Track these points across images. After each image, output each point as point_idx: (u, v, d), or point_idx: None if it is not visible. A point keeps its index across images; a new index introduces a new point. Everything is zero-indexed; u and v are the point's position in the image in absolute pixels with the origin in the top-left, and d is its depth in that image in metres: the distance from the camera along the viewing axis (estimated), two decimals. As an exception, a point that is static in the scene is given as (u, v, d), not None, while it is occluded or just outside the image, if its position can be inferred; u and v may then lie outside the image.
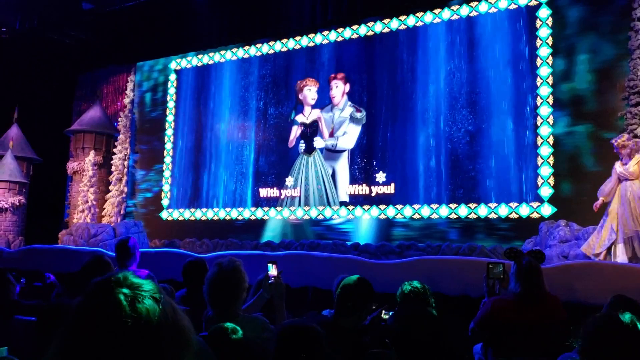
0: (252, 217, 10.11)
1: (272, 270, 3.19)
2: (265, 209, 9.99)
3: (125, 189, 11.81)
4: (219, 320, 2.72)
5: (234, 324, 2.52)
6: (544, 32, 8.01)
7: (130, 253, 4.40)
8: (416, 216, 8.62)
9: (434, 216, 8.48)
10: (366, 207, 9.04)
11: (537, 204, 7.77)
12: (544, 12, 8.05)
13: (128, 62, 12.05)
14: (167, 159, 11.33)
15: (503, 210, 7.98)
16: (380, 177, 8.98)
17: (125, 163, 11.91)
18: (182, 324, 1.00)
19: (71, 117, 12.81)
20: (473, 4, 8.59)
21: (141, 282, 1.00)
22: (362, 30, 9.52)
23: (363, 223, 9.12)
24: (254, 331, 2.80)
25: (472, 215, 8.20)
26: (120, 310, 0.94)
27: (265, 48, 10.47)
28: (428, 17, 8.94)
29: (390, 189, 8.89)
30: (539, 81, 7.95)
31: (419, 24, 9.02)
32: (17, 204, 12.02)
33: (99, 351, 0.91)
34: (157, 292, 0.99)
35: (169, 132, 11.40)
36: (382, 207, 8.89)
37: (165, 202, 11.21)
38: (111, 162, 12.04)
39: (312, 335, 1.87)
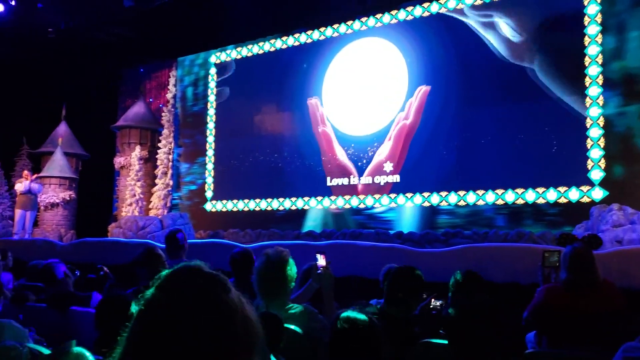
0: (293, 207, 10.15)
1: (321, 261, 3.18)
2: (306, 198, 10.01)
3: (171, 182, 12.04)
4: (267, 308, 2.74)
5: (282, 313, 2.54)
6: (592, 9, 7.72)
7: (179, 244, 4.48)
8: (461, 203, 8.48)
9: (480, 202, 8.32)
10: (409, 194, 8.94)
11: (588, 187, 7.53)
12: (592, -11, 7.76)
13: (170, 58, 12.24)
14: (210, 152, 11.47)
15: (552, 195, 7.77)
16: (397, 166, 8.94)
17: (170, 157, 12.13)
18: (250, 314, 1.00)
19: (116, 113, 13.12)
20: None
21: (215, 273, 1.01)
22: (402, 15, 9.38)
23: (406, 211, 9.03)
24: (303, 321, 2.81)
25: (520, 201, 8.01)
26: (200, 300, 0.95)
27: (304, 37, 10.44)
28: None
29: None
30: (587, 60, 7.67)
31: (460, 6, 8.81)
32: (68, 198, 12.42)
33: (179, 341, 0.92)
34: (226, 282, 1.00)
35: (211, 125, 11.53)
36: (426, 194, 8.77)
37: (208, 194, 11.37)
38: (156, 156, 12.29)
39: (367, 325, 1.85)
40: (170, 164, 12.13)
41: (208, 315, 0.94)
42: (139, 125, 12.39)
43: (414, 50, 9.18)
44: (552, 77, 7.94)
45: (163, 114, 12.42)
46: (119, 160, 12.50)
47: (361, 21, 9.80)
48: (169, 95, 12.41)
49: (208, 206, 11.31)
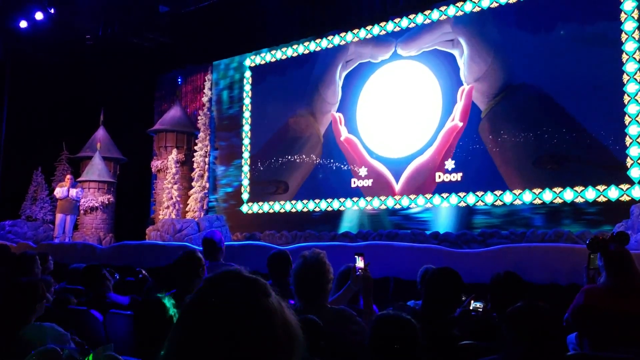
0: (329, 209, 10.17)
1: (359, 262, 3.15)
2: (342, 199, 10.02)
3: (207, 185, 12.18)
4: (305, 311, 2.76)
5: (320, 316, 2.55)
6: (628, 5, 7.55)
7: (217, 247, 4.52)
8: (498, 203, 8.38)
9: (517, 202, 8.21)
10: (444, 194, 8.87)
11: (627, 185, 7.36)
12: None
13: (205, 62, 12.39)
14: (246, 154, 11.58)
15: (590, 194, 7.62)
16: (450, 164, 8.83)
17: (206, 160, 12.28)
18: (289, 317, 1.02)
19: (153, 117, 13.35)
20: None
21: (254, 278, 1.03)
22: (435, 15, 9.32)
23: (441, 211, 8.96)
24: (341, 323, 2.82)
25: (558, 200, 7.87)
26: (240, 305, 0.98)
27: (337, 40, 10.46)
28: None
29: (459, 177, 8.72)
30: (624, 57, 7.50)
31: (493, 5, 8.72)
32: (107, 202, 12.69)
33: (221, 346, 0.95)
34: (266, 286, 1.03)
35: (246, 128, 11.64)
36: (462, 194, 8.70)
37: (245, 196, 11.47)
38: (192, 159, 12.45)
39: (407, 328, 1.86)
40: (207, 166, 12.28)
41: (249, 320, 0.96)
42: (175, 128, 12.57)
43: (449, 74, 9.14)
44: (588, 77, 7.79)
45: (199, 117, 12.58)
46: (156, 164, 12.72)
47: (394, 22, 9.75)
48: (205, 99, 12.58)
49: (244, 208, 11.42)
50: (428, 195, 9.04)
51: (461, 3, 9.04)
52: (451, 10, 9.14)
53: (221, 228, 10.00)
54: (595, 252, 3.43)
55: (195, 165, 12.40)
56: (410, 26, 9.60)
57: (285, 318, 1.01)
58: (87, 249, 9.12)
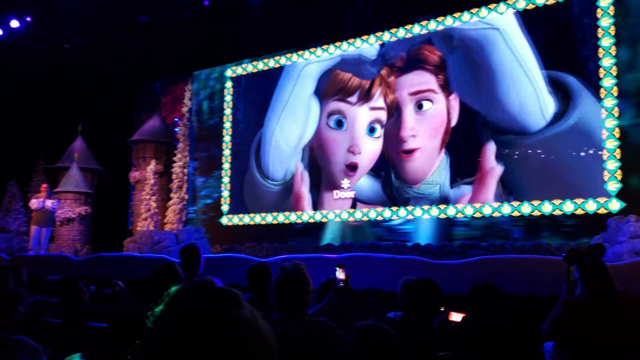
0: (311, 220, 10.15)
1: (340, 274, 3.15)
2: (324, 211, 10.01)
3: (186, 196, 12.07)
4: (285, 323, 2.74)
5: (300, 328, 2.53)
6: (605, 21, 7.71)
7: (195, 259, 4.47)
8: (477, 215, 8.44)
9: (496, 214, 8.28)
10: (425, 207, 8.92)
11: (604, 199, 7.47)
12: (605, 1, 7.75)
13: (185, 72, 12.35)
14: (226, 165, 11.51)
15: (568, 207, 7.71)
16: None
17: (185, 171, 12.19)
18: (266, 330, 1.00)
19: (132, 128, 13.24)
20: (529, -5, 8.37)
21: (226, 289, 1.01)
22: (416, 29, 9.40)
23: (423, 223, 9.00)
24: (321, 335, 2.80)
25: (536, 213, 7.95)
26: (210, 316, 0.95)
27: (320, 52, 10.50)
28: (483, 12, 8.76)
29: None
30: (601, 72, 7.65)
31: (474, 20, 8.84)
32: (84, 213, 12.52)
33: (194, 356, 0.93)
34: (238, 297, 1.01)
35: (227, 138, 11.59)
36: (442, 206, 8.75)
37: (224, 207, 11.39)
38: (171, 170, 12.35)
39: (386, 338, 1.85)
40: (186, 177, 12.19)
41: (218, 333, 0.94)
42: (154, 139, 12.49)
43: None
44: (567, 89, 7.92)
45: (178, 127, 12.51)
46: (134, 175, 12.60)
47: (376, 35, 9.83)
48: (185, 109, 12.51)
49: (224, 220, 11.33)
50: (410, 207, 9.08)
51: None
52: (432, 25, 9.24)
53: (200, 240, 9.91)
54: (572, 264, 3.46)
55: (174, 176, 12.31)
56: (391, 40, 9.67)
57: (258, 329, 0.99)
58: (63, 261, 8.98)
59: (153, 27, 11.01)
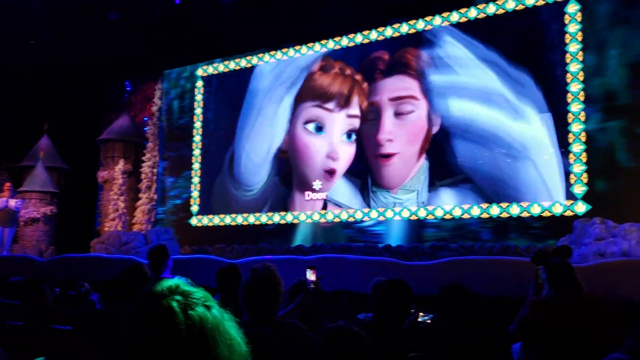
0: (282, 222, 10.11)
1: (311, 276, 3.14)
2: (295, 212, 9.98)
3: (155, 197, 11.92)
4: (255, 325, 2.71)
5: (270, 330, 2.50)
6: (572, 27, 7.87)
7: (163, 260, 4.41)
8: (447, 217, 8.53)
9: (466, 216, 8.38)
10: (397, 208, 8.97)
11: (571, 201, 7.62)
12: (573, 8, 7.91)
13: (155, 71, 12.20)
14: (196, 166, 11.41)
15: (536, 209, 7.84)
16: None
17: (155, 170, 12.04)
18: (235, 332, 0.99)
19: (101, 127, 13.02)
20: (500, 1, 8.49)
21: (192, 290, 0.99)
22: (388, 32, 9.46)
23: (394, 225, 9.05)
24: (291, 337, 2.78)
25: (504, 215, 8.07)
26: (175, 317, 0.93)
27: (292, 52, 10.48)
28: (454, 16, 8.85)
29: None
30: (569, 77, 7.80)
31: (445, 24, 8.93)
32: (49, 213, 12.26)
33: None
34: (208, 300, 0.99)
35: (197, 138, 11.48)
36: (413, 208, 8.81)
37: (194, 208, 11.28)
38: (140, 170, 12.19)
39: (356, 340, 1.84)
40: (155, 177, 12.03)
41: (188, 334, 0.93)
42: (123, 138, 12.31)
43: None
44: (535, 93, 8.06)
45: (148, 127, 12.35)
46: (102, 175, 12.39)
47: (349, 37, 9.87)
48: (155, 108, 12.36)
49: (194, 221, 11.22)
50: (381, 209, 9.12)
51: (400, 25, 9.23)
52: (404, 28, 9.30)
53: (169, 241, 9.78)
54: (539, 265, 3.51)
55: (143, 176, 12.14)
56: (364, 42, 9.71)
57: (227, 331, 0.97)
58: (27, 262, 8.76)
59: (123, 25, 10.83)
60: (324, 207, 9.67)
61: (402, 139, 9.01)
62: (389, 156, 9.06)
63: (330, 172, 9.64)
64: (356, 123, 9.53)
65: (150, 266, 4.44)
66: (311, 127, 9.96)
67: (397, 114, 9.09)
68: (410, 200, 8.86)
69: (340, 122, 9.66)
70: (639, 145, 7.27)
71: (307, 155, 9.96)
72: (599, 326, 3.20)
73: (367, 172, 9.29)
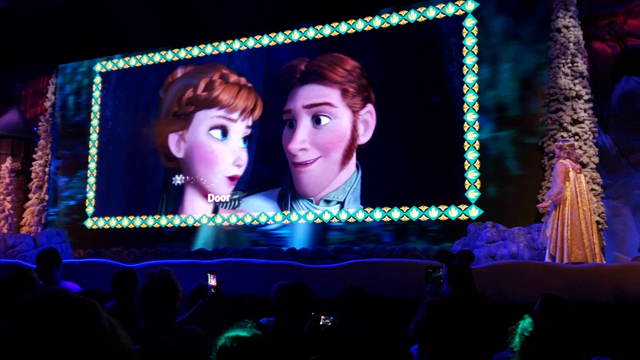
0: (183, 225, 9.87)
1: (212, 280, 3.08)
2: (197, 215, 9.78)
3: (47, 197, 11.26)
4: (151, 332, 2.61)
5: (167, 337, 2.42)
6: (470, 41, 8.29)
7: (53, 264, 4.15)
8: (351, 220, 8.68)
9: (368, 219, 8.57)
10: (301, 212, 9.01)
11: (465, 206, 8.01)
12: (470, 22, 8.33)
13: (49, 64, 11.53)
14: (92, 165, 10.88)
15: (433, 213, 8.17)
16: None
17: (47, 169, 11.37)
18: (122, 340, 0.93)
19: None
20: (403, 12, 8.77)
21: (82, 298, 0.93)
22: (295, 35, 9.50)
23: (298, 228, 9.08)
24: (190, 344, 2.70)
25: (405, 218, 8.34)
26: (62, 329, 0.87)
27: (196, 51, 10.27)
28: (359, 24, 9.05)
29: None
30: (465, 88, 8.21)
31: (351, 31, 9.11)
32: None
33: None
34: (95, 307, 0.93)
35: (94, 136, 10.97)
36: (318, 211, 8.90)
37: (89, 210, 10.76)
38: (31, 168, 11.46)
39: (257, 344, 1.81)
40: (47, 177, 11.35)
41: (72, 347, 0.87)
42: (11, 134, 11.55)
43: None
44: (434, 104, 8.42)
45: (40, 123, 11.63)
46: (-13, 173, 11.52)
47: (255, 39, 9.81)
48: (48, 104, 11.66)
49: (89, 223, 10.70)
50: (286, 212, 9.13)
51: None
52: (311, 32, 9.39)
53: (61, 244, 9.26)
54: (442, 264, 3.66)
55: (33, 175, 11.41)
56: (270, 44, 9.69)
57: (118, 342, 0.92)
58: None
59: (13, 13, 10.13)
60: (215, 210, 9.58)
61: (317, 147, 8.96)
62: (305, 164, 9.04)
63: (232, 179, 9.57)
64: (249, 130, 9.56)
65: (38, 271, 4.17)
66: (216, 132, 9.81)
67: (315, 122, 9.07)
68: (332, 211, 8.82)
69: (240, 130, 9.63)
70: (526, 154, 7.78)
71: (211, 160, 9.81)
72: (489, 325, 3.37)
73: (286, 180, 9.18)
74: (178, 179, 10.04)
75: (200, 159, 9.91)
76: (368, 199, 8.61)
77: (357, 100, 8.91)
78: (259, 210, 9.32)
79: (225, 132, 9.75)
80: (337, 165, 8.89)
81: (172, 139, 10.15)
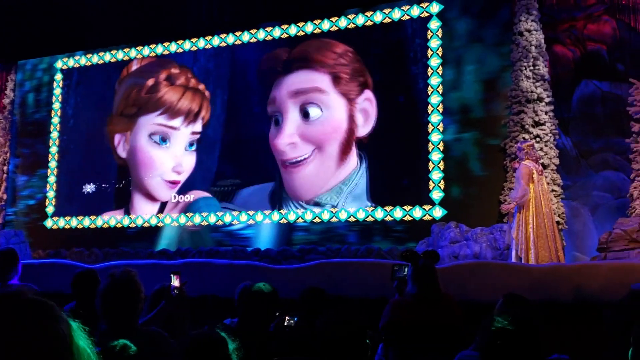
0: (145, 225, 9.72)
1: (175, 281, 3.04)
2: (160, 215, 9.65)
3: (5, 196, 10.95)
4: (113, 334, 2.56)
5: (129, 339, 2.39)
6: (434, 43, 8.39)
7: (10, 265, 4.04)
8: (316, 220, 8.68)
9: (334, 220, 8.59)
10: (267, 211, 8.97)
11: (429, 206, 8.09)
12: (435, 24, 8.42)
13: (8, 60, 11.22)
14: (52, 164, 10.63)
15: (398, 213, 8.24)
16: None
17: (5, 168, 11.05)
18: (86, 344, 0.91)
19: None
20: (368, 13, 8.82)
21: (40, 300, 0.91)
22: (261, 34, 9.46)
23: (263, 228, 9.04)
24: (152, 346, 2.67)
25: (370, 219, 8.39)
26: (18, 332, 0.85)
27: (160, 49, 10.14)
28: (325, 24, 9.06)
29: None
30: (429, 90, 8.30)
31: (317, 30, 9.11)
32: None
33: None
34: (53, 308, 0.91)
35: (55, 135, 10.72)
36: (283, 211, 8.87)
37: (49, 209, 10.51)
38: (-13, 167, 11.12)
39: (221, 346, 1.80)
40: (5, 176, 11.04)
41: (29, 350, 0.85)
42: (-33, 132, 11.16)
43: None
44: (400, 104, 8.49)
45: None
46: (-60, 171, 11.12)
47: (220, 37, 9.73)
48: (6, 101, 11.33)
49: (49, 223, 10.44)
50: (251, 212, 9.07)
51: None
52: (276, 31, 9.37)
53: (19, 245, 9.03)
54: (407, 263, 3.69)
55: (-10, 174, 11.08)
56: (236, 43, 9.62)
57: (77, 345, 0.90)
58: None
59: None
60: (160, 210, 9.53)
61: (307, 143, 8.65)
62: (297, 163, 8.76)
63: (173, 183, 9.55)
64: (197, 135, 9.53)
65: (-5, 273, 4.06)
66: (156, 137, 9.76)
67: (304, 115, 8.70)
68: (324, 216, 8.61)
69: (185, 136, 9.59)
70: (489, 155, 7.92)
71: (149, 165, 9.78)
72: (453, 324, 3.41)
73: (276, 180, 8.96)
74: (89, 188, 9.98)
75: (139, 163, 9.88)
76: (334, 200, 8.64)
77: (353, 87, 8.51)
78: (249, 204, 9.19)
79: (164, 138, 9.69)
80: (334, 162, 8.56)
81: (117, 139, 10.11)
